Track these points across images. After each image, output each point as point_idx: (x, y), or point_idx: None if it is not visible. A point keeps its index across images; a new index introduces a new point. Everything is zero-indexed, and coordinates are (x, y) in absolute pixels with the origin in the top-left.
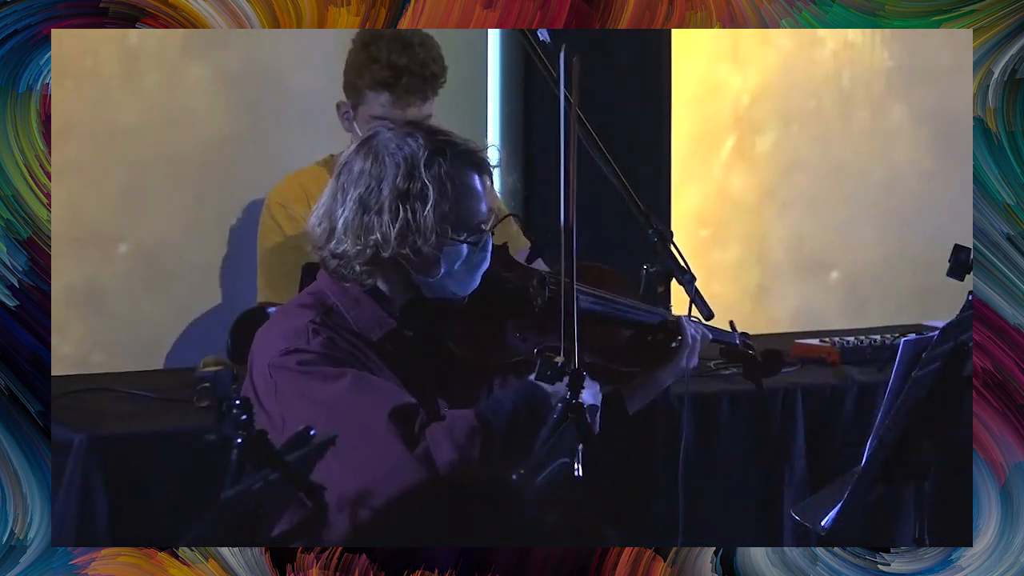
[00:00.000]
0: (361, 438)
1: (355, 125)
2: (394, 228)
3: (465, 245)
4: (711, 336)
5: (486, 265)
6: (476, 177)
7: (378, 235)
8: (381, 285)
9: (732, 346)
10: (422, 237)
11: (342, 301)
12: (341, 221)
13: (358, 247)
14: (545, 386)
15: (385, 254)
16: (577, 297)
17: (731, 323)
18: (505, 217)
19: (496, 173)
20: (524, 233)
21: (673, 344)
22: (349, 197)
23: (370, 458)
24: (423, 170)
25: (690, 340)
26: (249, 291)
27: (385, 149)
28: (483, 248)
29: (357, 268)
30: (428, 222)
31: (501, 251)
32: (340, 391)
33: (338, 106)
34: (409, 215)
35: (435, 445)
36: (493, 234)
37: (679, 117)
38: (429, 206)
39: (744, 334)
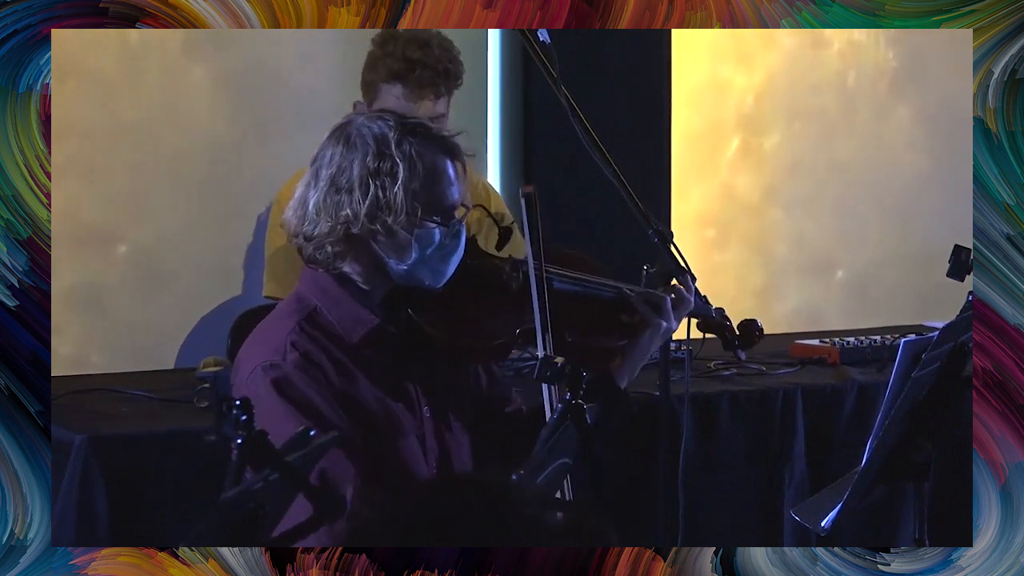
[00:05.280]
0: None
1: None
2: (364, 204)
3: (438, 230)
4: (691, 301)
5: (459, 255)
6: (448, 162)
7: (348, 211)
8: (355, 274)
9: (708, 318)
10: (392, 215)
11: (324, 302)
12: (313, 203)
13: (328, 225)
14: None
15: (355, 230)
16: (552, 279)
17: (704, 297)
18: (475, 207)
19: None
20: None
21: (638, 317)
22: (321, 179)
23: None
24: (393, 148)
25: (647, 297)
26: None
27: (357, 132)
28: (456, 236)
29: (329, 249)
30: (398, 199)
31: (471, 243)
32: (283, 433)
33: (354, 105)
34: (379, 191)
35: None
36: (468, 226)
37: (684, 117)
38: (399, 183)
39: (719, 309)
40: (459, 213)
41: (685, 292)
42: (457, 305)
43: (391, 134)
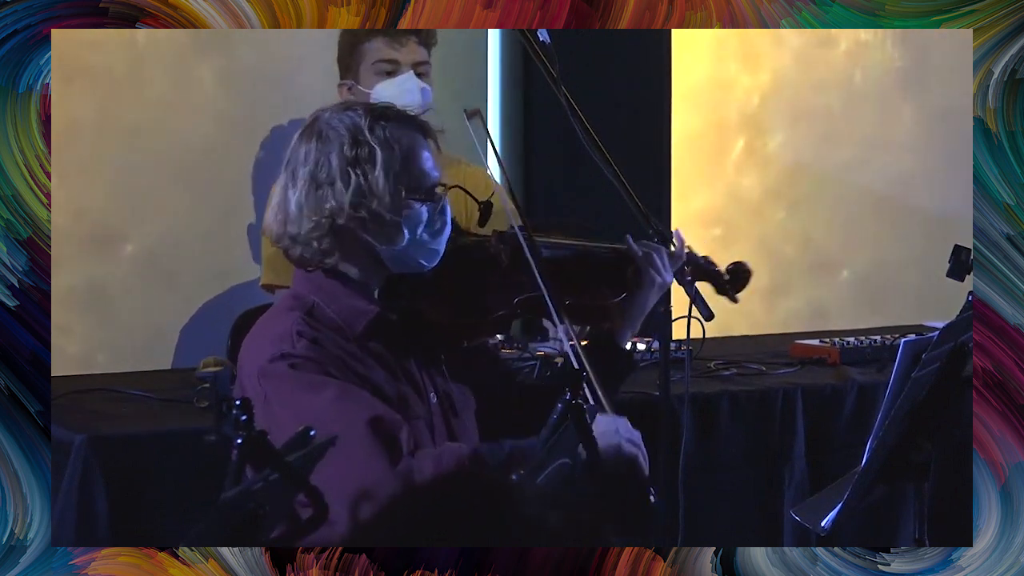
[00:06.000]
0: (341, 448)
1: (359, 88)
2: (347, 194)
3: (424, 208)
4: (683, 254)
5: (448, 231)
6: (421, 139)
7: (333, 202)
8: (348, 268)
9: (697, 265)
10: (377, 200)
11: (321, 298)
12: (294, 203)
13: (313, 220)
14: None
15: (340, 221)
16: (540, 248)
17: (702, 257)
18: (452, 187)
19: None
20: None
21: (633, 269)
22: (300, 178)
23: (350, 468)
24: (367, 135)
25: (639, 252)
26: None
27: (327, 126)
28: (443, 212)
29: (315, 246)
30: (380, 183)
31: (453, 222)
32: (322, 402)
33: (339, 87)
34: (361, 179)
35: (419, 467)
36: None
37: (684, 117)
38: (379, 167)
39: (705, 257)
40: (439, 190)
41: (679, 246)
42: (452, 285)
43: (362, 121)
